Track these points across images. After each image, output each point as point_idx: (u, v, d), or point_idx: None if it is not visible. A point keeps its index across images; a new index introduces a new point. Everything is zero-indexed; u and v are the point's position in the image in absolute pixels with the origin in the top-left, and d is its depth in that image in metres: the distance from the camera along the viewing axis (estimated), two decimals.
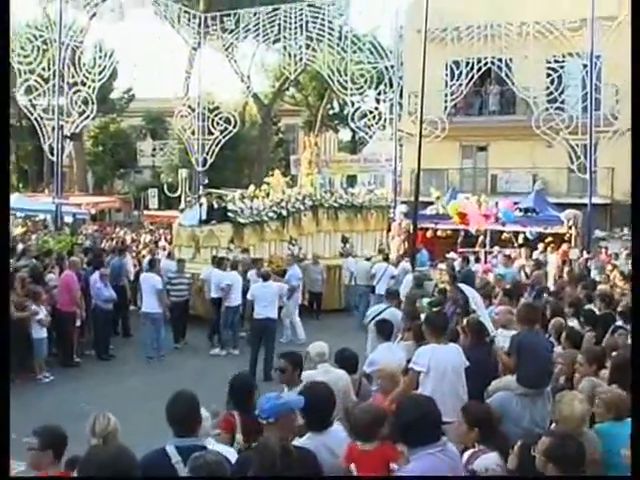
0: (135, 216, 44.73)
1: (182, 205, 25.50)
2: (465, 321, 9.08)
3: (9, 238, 7.70)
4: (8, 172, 9.06)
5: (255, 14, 30.14)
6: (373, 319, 10.04)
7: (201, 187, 29.56)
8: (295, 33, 29.49)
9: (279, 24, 29.51)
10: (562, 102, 27.32)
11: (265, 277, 14.59)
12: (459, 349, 7.45)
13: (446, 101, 28.70)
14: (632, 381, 5.20)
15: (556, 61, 27.47)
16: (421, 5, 21.14)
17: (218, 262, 16.39)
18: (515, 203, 25.91)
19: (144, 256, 20.60)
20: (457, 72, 28.14)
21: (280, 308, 15.19)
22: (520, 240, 24.49)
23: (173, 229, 22.24)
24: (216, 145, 31.61)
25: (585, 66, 26.42)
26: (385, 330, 8.85)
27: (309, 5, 29.67)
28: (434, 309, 10.17)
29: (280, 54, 35.61)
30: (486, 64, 27.79)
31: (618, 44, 25.67)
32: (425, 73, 20.03)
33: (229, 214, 19.82)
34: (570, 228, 24.33)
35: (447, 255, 18.59)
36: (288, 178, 27.14)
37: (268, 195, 21.23)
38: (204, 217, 20.18)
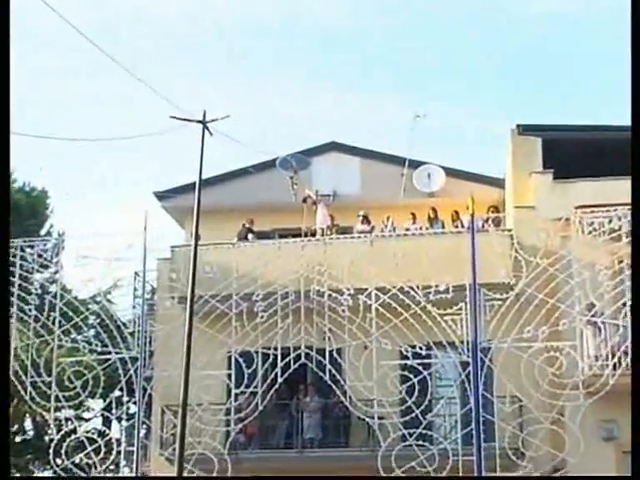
0: None
1: None
2: None
3: (8, 240, 9.73)
4: (8, 175, 11.97)
5: None
6: None
7: None
8: None
9: None
10: (428, 426, 17.49)
11: None
12: None
13: (228, 423, 18.52)
14: (632, 383, 6.53)
15: (417, 355, 17.64)
16: (187, 256, 15.70)
17: None
18: None
19: None
20: (248, 371, 18.10)
21: None
22: None
23: None
24: None
25: (466, 365, 16.98)
26: None
27: None
28: None
29: None
30: (298, 358, 18.03)
31: (512, 326, 16.78)
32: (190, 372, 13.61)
33: None
34: None
35: None
36: None
37: None
38: None
